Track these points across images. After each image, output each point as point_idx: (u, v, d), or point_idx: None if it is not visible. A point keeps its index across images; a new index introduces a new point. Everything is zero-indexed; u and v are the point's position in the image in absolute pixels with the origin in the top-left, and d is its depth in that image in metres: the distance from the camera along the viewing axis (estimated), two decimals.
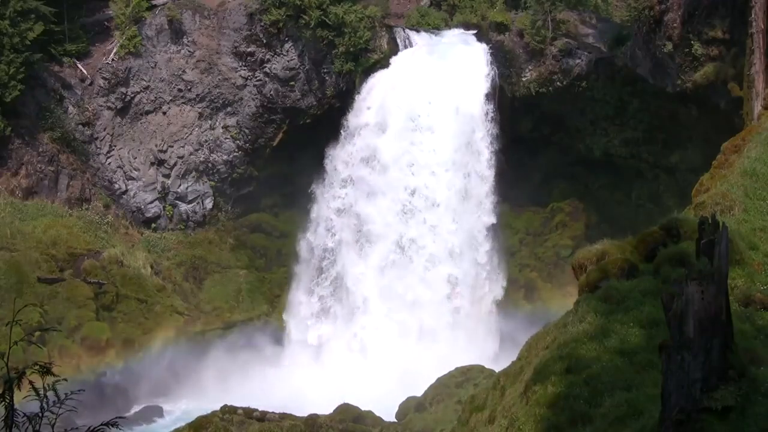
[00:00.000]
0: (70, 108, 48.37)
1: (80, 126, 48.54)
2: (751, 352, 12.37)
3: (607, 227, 44.85)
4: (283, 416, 33.26)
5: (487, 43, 48.31)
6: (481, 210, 46.89)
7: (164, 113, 50.00)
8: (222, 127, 50.53)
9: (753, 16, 32.61)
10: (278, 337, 47.90)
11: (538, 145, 49.94)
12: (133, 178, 49.75)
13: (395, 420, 35.18)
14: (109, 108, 49.21)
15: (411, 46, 49.40)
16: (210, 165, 50.76)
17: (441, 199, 46.40)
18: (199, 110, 50.16)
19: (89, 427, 7.50)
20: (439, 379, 36.00)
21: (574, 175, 50.15)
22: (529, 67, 47.93)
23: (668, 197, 45.14)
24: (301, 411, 34.06)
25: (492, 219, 47.20)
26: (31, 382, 7.46)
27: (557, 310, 28.58)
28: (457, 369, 36.43)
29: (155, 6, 50.37)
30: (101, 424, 7.54)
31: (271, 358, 46.35)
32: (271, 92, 49.97)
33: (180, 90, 49.88)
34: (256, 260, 50.89)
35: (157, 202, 50.18)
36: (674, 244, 17.18)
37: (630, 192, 49.09)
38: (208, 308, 47.67)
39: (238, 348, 45.77)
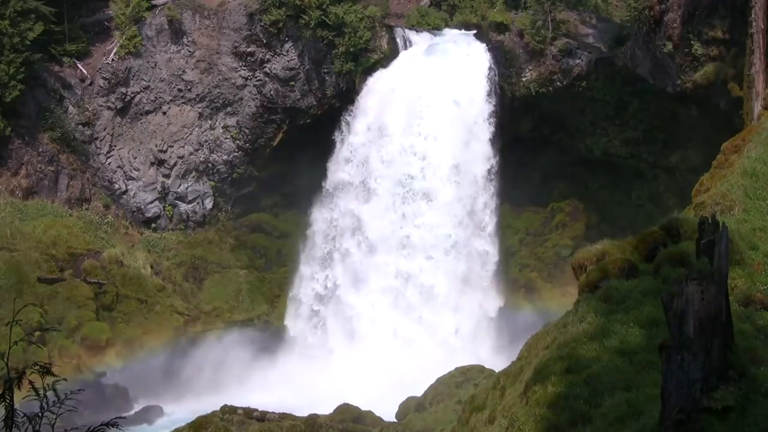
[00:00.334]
0: (70, 108, 48.37)
1: (80, 126, 48.54)
2: (751, 352, 12.39)
3: (607, 227, 44.84)
4: (283, 416, 33.26)
5: (487, 43, 48.30)
6: (483, 203, 47.18)
7: (164, 113, 49.99)
8: (222, 127, 50.51)
9: (753, 16, 32.59)
10: (278, 337, 47.89)
11: (538, 145, 49.88)
12: (133, 178, 49.75)
13: (395, 420, 35.16)
14: (109, 108, 49.21)
15: (411, 46, 49.42)
16: (210, 165, 50.75)
17: (441, 200, 46.47)
18: (199, 110, 50.15)
19: (89, 427, 7.50)
20: (439, 379, 35.96)
21: (574, 175, 50.08)
22: (529, 67, 47.88)
23: (668, 197, 45.08)
24: (301, 411, 34.07)
25: (494, 219, 47.42)
26: (31, 382, 7.45)
27: (557, 310, 28.59)
28: (457, 369, 36.42)
29: (155, 6, 50.35)
30: (101, 424, 7.54)
31: (271, 358, 46.33)
32: (271, 92, 49.95)
33: (180, 90, 49.87)
34: (256, 260, 50.87)
35: (157, 202, 50.17)
36: (674, 244, 17.19)
37: (630, 192, 49.02)
38: (208, 308, 47.64)
39: (238, 348, 45.73)
